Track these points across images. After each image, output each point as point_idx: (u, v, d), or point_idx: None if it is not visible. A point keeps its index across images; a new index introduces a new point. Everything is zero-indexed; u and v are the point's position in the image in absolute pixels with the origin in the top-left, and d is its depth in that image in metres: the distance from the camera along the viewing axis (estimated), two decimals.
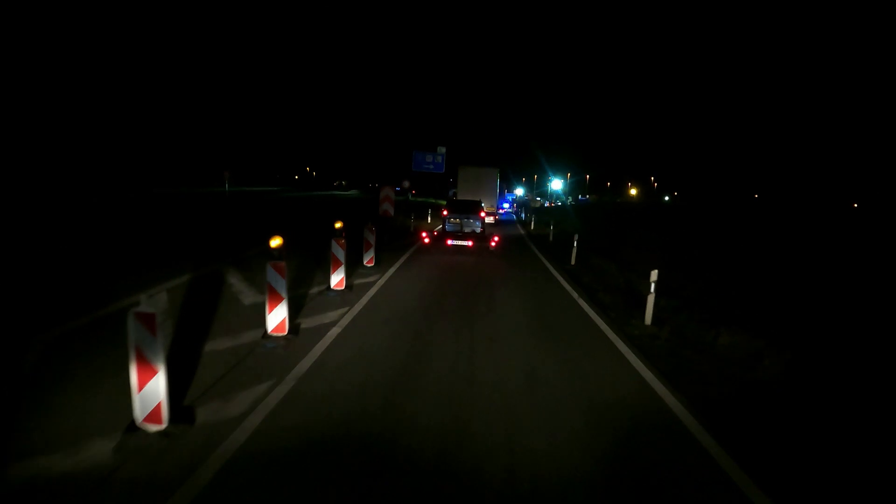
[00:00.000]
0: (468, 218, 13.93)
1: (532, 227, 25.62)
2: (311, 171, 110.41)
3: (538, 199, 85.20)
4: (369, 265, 10.11)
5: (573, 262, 12.53)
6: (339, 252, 7.80)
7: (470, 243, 13.34)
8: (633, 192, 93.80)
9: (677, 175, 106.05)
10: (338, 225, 7.80)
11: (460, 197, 21.87)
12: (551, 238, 18.28)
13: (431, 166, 33.95)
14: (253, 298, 7.25)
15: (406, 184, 38.01)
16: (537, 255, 14.13)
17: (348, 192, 78.48)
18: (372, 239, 10.08)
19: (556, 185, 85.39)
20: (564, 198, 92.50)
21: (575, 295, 8.81)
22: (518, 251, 15.23)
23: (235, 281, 8.44)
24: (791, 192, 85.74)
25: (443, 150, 34.50)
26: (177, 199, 29.33)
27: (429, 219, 25.50)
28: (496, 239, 13.44)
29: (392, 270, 10.16)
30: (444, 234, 13.73)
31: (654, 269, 7.20)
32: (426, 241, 13.63)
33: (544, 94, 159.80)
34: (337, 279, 7.87)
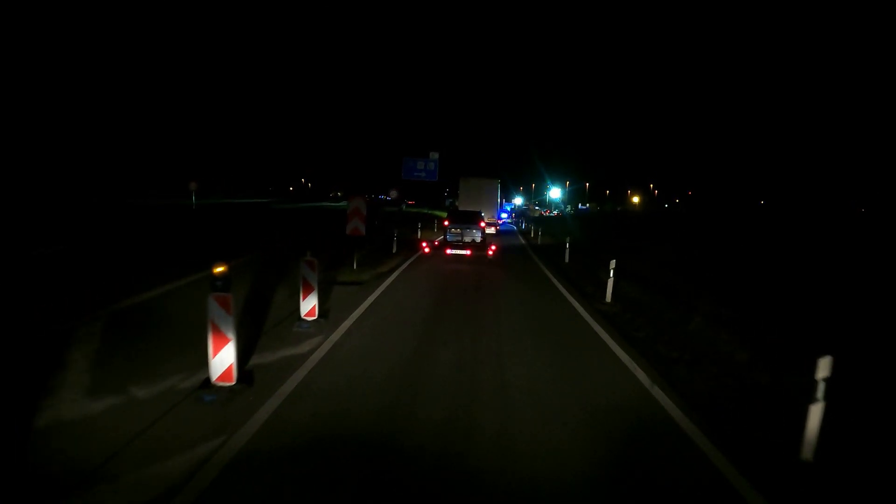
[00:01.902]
0: (469, 228, 14.09)
1: (538, 241, 22.12)
2: (307, 182, 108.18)
3: (537, 207, 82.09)
4: (309, 318, 6.57)
5: (609, 298, 9.02)
6: (223, 318, 4.25)
7: (468, 252, 13.71)
8: (636, 199, 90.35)
9: (678, 181, 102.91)
10: (218, 270, 4.24)
11: (461, 208, 22.27)
12: (567, 258, 14.75)
13: (423, 174, 30.48)
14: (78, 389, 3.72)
15: (394, 193, 34.68)
16: (555, 286, 10.61)
17: (339, 203, 75.29)
18: (312, 278, 6.55)
19: (555, 193, 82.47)
20: (563, 206, 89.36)
21: (640, 374, 5.27)
22: (529, 276, 11.71)
23: (80, 357, 4.93)
24: (797, 198, 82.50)
25: (436, 155, 30.99)
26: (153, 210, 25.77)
27: (419, 233, 21.95)
28: (493, 247, 14.00)
29: (346, 325, 6.63)
30: (445, 244, 14.09)
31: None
32: (426, 250, 14.53)
33: (541, 101, 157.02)
34: (222, 367, 4.33)
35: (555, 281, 11.21)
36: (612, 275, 8.98)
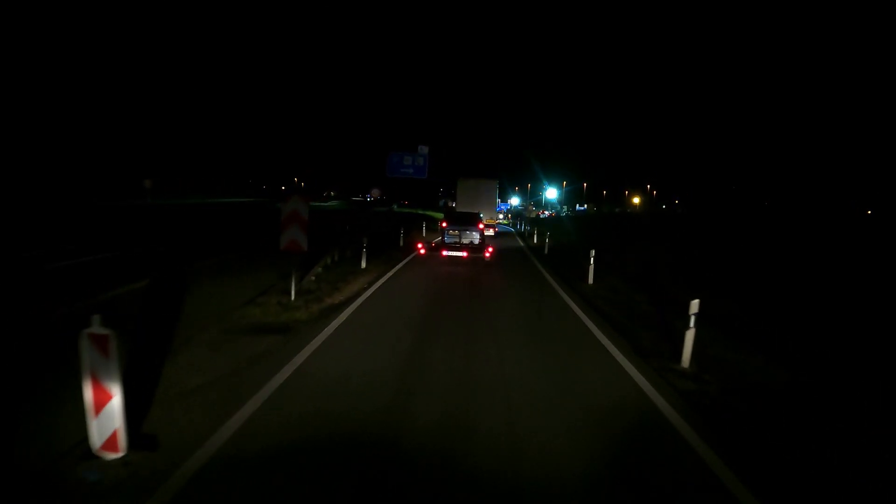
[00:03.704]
0: (467, 230, 13.70)
1: (545, 249, 18.53)
2: (300, 181, 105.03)
3: (534, 208, 78.84)
4: (111, 455, 2.99)
5: (687, 361, 5.51)
6: None
7: (465, 254, 13.36)
8: (637, 200, 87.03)
9: (676, 182, 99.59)
10: None
11: (459, 209, 21.76)
12: (591, 278, 11.15)
13: (411, 170, 27.02)
14: None
15: (376, 192, 31.13)
16: (592, 334, 7.08)
17: (327, 204, 71.86)
18: (105, 371, 2.95)
19: (552, 193, 79.29)
20: (559, 207, 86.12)
21: None
22: (549, 314, 8.15)
23: None
24: (802, 199, 79.52)
25: (425, 149, 27.45)
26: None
27: (401, 240, 18.33)
28: (491, 249, 13.61)
29: (189, 471, 3.05)
30: (442, 245, 13.70)
31: None
32: (422, 251, 14.18)
33: (537, 99, 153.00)
34: None
35: (589, 323, 7.63)
36: (692, 324, 5.46)
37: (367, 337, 6.09)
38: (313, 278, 9.69)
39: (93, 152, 46.89)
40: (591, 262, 11.04)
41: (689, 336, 5.49)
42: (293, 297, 7.64)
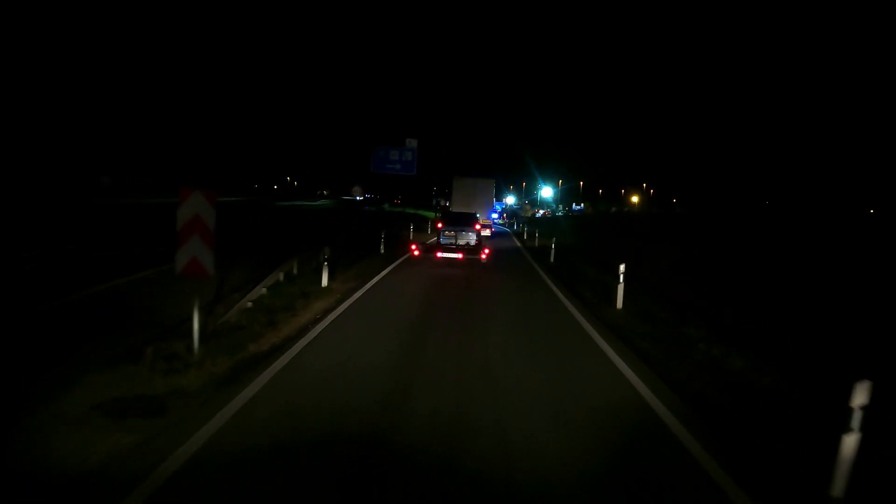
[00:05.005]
0: (464, 230, 13.46)
1: (551, 257, 16.00)
2: (293, 180, 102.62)
3: (529, 206, 76.60)
4: None
5: (841, 490, 3.08)
6: None
7: (461, 255, 13.09)
8: (636, 199, 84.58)
9: (675, 181, 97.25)
10: None
11: (454, 209, 21.38)
12: (620, 302, 8.61)
13: (398, 166, 24.50)
14: None
15: (358, 190, 28.62)
16: (637, 391, 4.63)
17: (317, 203, 69.23)
18: None
19: (547, 192, 77.00)
20: (554, 206, 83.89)
21: None
22: (573, 357, 5.72)
23: None
24: (803, 198, 77.54)
25: (413, 143, 24.88)
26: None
27: (381, 246, 15.78)
28: (487, 251, 13.30)
29: None
30: (437, 246, 13.59)
31: None
32: (416, 253, 13.70)
33: (533, 96, 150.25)
34: None
35: (635, 380, 5.20)
36: (855, 424, 3.03)
37: (285, 436, 3.58)
38: (249, 304, 7.21)
39: (89, 151, 45.91)
40: (621, 280, 8.49)
41: (850, 445, 3.04)
42: (196, 345, 5.13)
